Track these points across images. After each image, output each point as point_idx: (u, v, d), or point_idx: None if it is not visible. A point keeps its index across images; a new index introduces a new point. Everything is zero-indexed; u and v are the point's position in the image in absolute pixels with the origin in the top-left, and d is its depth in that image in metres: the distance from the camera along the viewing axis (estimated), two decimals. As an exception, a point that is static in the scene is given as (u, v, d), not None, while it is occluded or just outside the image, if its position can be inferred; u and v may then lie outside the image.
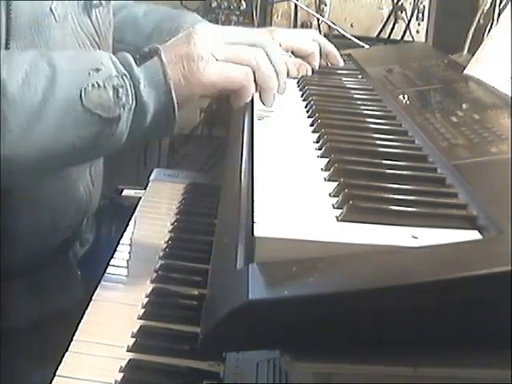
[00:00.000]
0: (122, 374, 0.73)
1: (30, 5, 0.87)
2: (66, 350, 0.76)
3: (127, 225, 1.07)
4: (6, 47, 0.86)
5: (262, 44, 0.85)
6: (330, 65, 1.19)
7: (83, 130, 0.78)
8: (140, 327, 0.81)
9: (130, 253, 0.99)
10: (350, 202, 0.61)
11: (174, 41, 0.83)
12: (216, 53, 0.82)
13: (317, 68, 1.14)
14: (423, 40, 1.59)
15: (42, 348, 0.92)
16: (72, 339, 0.78)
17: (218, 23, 1.57)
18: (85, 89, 0.77)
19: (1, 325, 0.93)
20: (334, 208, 0.62)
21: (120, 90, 0.78)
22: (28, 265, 0.99)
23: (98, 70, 0.78)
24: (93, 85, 0.77)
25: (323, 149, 0.77)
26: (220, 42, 0.83)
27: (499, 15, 1.23)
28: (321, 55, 1.16)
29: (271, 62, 0.84)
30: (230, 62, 0.82)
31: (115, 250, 0.99)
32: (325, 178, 0.70)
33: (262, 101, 0.87)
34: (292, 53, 1.14)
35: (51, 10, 0.89)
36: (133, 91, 0.79)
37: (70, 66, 0.79)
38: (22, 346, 0.94)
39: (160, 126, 0.82)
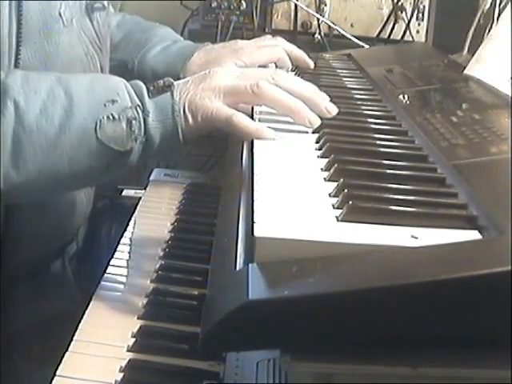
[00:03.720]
0: (121, 374, 0.73)
1: (40, 10, 0.87)
2: (66, 350, 0.76)
3: (127, 225, 1.07)
4: (17, 53, 0.86)
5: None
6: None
7: (96, 161, 0.79)
8: (140, 327, 0.81)
9: (129, 253, 0.99)
10: (350, 202, 0.61)
11: (189, 80, 0.84)
12: (229, 81, 0.83)
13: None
14: (423, 40, 1.59)
15: (42, 348, 0.92)
16: (72, 339, 0.78)
17: (218, 23, 1.57)
18: (100, 121, 0.78)
19: (1, 326, 0.93)
20: (334, 208, 0.62)
21: (133, 122, 0.79)
22: (29, 269, 1.00)
23: (113, 101, 0.79)
24: (108, 117, 0.78)
25: (323, 149, 0.77)
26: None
27: (499, 15, 1.23)
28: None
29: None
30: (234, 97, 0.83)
31: (115, 250, 0.99)
32: (325, 178, 0.70)
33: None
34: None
35: (60, 14, 0.89)
36: (142, 123, 0.80)
37: (86, 96, 0.79)
38: (22, 347, 0.94)
39: (165, 156, 0.84)
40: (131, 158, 0.81)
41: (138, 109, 0.80)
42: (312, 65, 1.17)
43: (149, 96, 0.81)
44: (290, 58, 1.13)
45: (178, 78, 0.97)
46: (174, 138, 0.82)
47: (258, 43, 1.13)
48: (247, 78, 0.84)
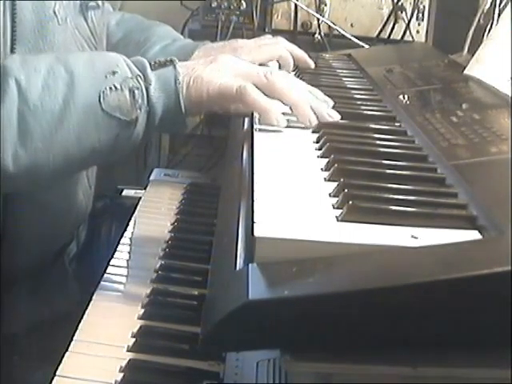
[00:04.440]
0: (121, 374, 0.73)
1: (34, 8, 0.87)
2: (66, 350, 0.76)
3: (127, 225, 1.07)
4: (12, 51, 0.86)
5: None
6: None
7: (103, 134, 0.79)
8: (140, 327, 0.81)
9: (129, 253, 0.99)
10: (350, 202, 0.61)
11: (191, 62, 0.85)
12: (229, 68, 0.84)
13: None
14: (423, 40, 1.59)
15: (41, 348, 0.92)
16: (72, 339, 0.78)
17: (218, 23, 1.57)
18: (103, 92, 0.78)
19: (1, 327, 0.93)
20: (334, 208, 0.62)
21: (136, 91, 0.80)
22: (29, 269, 1.00)
23: (114, 72, 0.79)
24: (110, 88, 0.79)
25: (323, 149, 0.77)
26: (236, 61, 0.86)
27: (499, 15, 1.23)
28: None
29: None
30: (242, 77, 0.83)
31: (115, 250, 0.99)
32: (325, 178, 0.70)
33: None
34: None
35: (54, 12, 0.89)
36: (145, 93, 0.80)
37: (86, 70, 0.80)
38: (22, 347, 0.94)
39: (167, 128, 0.83)
40: (137, 129, 0.81)
41: (139, 79, 0.80)
42: (313, 65, 1.17)
43: (151, 69, 0.81)
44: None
45: None
46: (176, 109, 0.82)
47: (258, 42, 1.13)
48: (257, 67, 0.85)
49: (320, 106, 0.86)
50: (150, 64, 0.82)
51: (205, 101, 0.83)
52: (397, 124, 0.88)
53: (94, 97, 0.78)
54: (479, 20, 1.29)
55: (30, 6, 0.86)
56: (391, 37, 1.59)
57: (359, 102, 0.97)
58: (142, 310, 0.85)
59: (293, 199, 0.64)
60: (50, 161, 0.78)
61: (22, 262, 0.98)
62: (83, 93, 0.78)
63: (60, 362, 0.74)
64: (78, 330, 0.80)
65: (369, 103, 0.97)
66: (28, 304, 1.00)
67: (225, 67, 0.84)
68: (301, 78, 1.09)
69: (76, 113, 0.78)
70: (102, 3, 1.00)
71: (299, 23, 1.60)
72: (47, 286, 1.03)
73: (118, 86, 0.79)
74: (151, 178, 1.28)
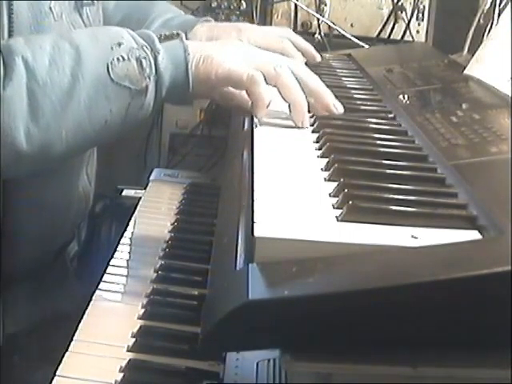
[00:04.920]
0: (121, 374, 0.73)
1: (30, 5, 0.87)
2: (66, 350, 0.76)
3: (127, 225, 1.07)
4: None
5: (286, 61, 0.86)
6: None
7: (114, 105, 0.79)
8: (140, 327, 0.81)
9: (129, 253, 0.99)
10: (350, 202, 0.61)
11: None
12: (239, 53, 0.84)
13: None
14: (423, 40, 1.59)
15: (42, 348, 0.92)
16: (72, 339, 0.78)
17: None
18: (111, 63, 0.78)
19: (2, 327, 0.93)
20: (334, 208, 0.62)
21: (143, 60, 0.80)
22: (29, 268, 1.00)
23: (119, 44, 0.80)
24: (118, 58, 0.79)
25: (323, 149, 0.77)
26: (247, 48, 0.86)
27: (499, 15, 1.23)
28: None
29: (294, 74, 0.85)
30: (252, 65, 0.84)
31: (115, 250, 0.99)
32: (325, 178, 0.70)
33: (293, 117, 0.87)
34: None
35: (50, 9, 0.89)
36: (153, 62, 0.80)
37: (91, 43, 0.80)
38: (22, 347, 0.94)
39: (173, 102, 0.84)
40: (148, 98, 0.81)
41: (146, 49, 0.81)
42: (319, 57, 1.18)
43: (160, 41, 0.82)
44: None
45: None
46: (184, 82, 0.82)
47: (266, 29, 1.14)
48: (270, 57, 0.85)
49: (327, 99, 0.87)
50: (159, 37, 0.82)
51: (212, 81, 0.83)
52: (397, 124, 0.88)
53: (102, 69, 0.78)
54: (479, 20, 1.29)
55: (26, 3, 0.86)
56: (391, 37, 1.59)
57: (359, 102, 0.97)
58: (142, 310, 0.85)
59: (293, 199, 0.64)
60: (63, 137, 0.78)
61: (22, 260, 0.97)
62: (91, 66, 0.78)
63: (60, 361, 0.74)
64: (77, 330, 0.80)
65: (369, 103, 0.97)
66: (28, 303, 1.00)
67: (237, 52, 0.84)
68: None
69: (85, 86, 0.78)
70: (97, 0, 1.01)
71: (299, 23, 1.60)
72: (48, 285, 1.03)
73: (126, 56, 0.79)
74: (151, 178, 1.28)
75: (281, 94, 0.85)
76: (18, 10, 0.86)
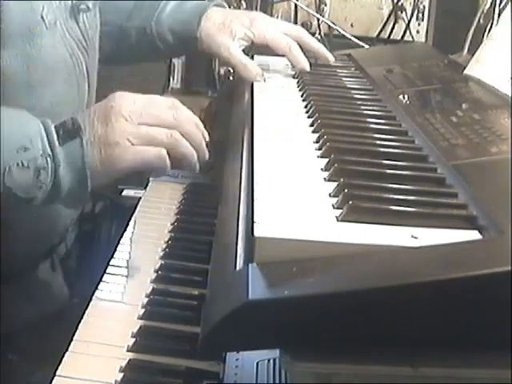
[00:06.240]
0: (121, 374, 0.73)
1: (21, 13, 0.87)
2: (66, 350, 0.76)
3: (127, 225, 1.07)
4: None
5: (180, 122, 0.84)
6: (320, 62, 1.18)
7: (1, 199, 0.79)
8: (140, 327, 0.81)
9: (130, 253, 0.99)
10: (350, 202, 0.61)
11: (93, 115, 0.82)
12: (131, 136, 0.82)
13: (299, 65, 1.13)
14: (423, 40, 1.59)
15: (41, 348, 0.92)
16: (72, 339, 0.78)
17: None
18: (9, 167, 0.78)
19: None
20: (334, 208, 0.62)
21: (42, 171, 0.79)
22: (16, 268, 0.99)
23: (26, 148, 0.79)
24: (18, 164, 0.78)
25: (323, 149, 0.77)
26: (136, 121, 0.83)
27: (499, 15, 1.23)
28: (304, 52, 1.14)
29: (188, 140, 0.84)
30: (145, 143, 0.82)
31: (115, 250, 0.99)
32: (325, 178, 0.70)
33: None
34: (267, 47, 1.13)
35: (42, 17, 0.89)
36: (52, 173, 0.80)
37: (2, 139, 0.78)
38: (22, 347, 0.94)
39: (71, 201, 0.84)
40: (34, 203, 0.81)
41: (49, 158, 0.80)
42: (332, 58, 1.18)
43: (59, 143, 0.80)
44: (304, 53, 1.14)
45: (195, 38, 1.07)
46: (82, 189, 0.82)
47: (278, 24, 1.14)
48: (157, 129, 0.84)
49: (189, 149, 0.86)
50: (58, 133, 0.80)
51: (114, 175, 0.83)
52: (397, 124, 0.88)
53: None
54: (479, 20, 1.29)
55: (16, 12, 0.86)
56: (391, 37, 1.59)
57: (359, 102, 0.97)
58: (142, 310, 0.85)
59: (293, 199, 0.64)
60: None
61: (9, 260, 0.97)
62: None
63: (60, 361, 0.74)
64: (77, 330, 0.80)
65: (369, 103, 0.97)
66: (16, 304, 0.99)
67: (126, 130, 0.82)
68: (301, 78, 1.10)
69: None
70: (94, 5, 1.00)
71: (299, 23, 1.60)
72: (35, 286, 1.02)
73: (26, 164, 0.78)
74: (151, 178, 1.28)
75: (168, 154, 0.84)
76: (8, 18, 0.85)
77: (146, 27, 1.14)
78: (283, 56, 1.13)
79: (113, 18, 1.15)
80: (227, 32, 1.10)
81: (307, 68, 1.12)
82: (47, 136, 0.80)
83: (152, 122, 0.83)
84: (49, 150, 0.79)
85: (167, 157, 0.83)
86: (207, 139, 0.88)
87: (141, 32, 1.15)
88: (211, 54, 1.12)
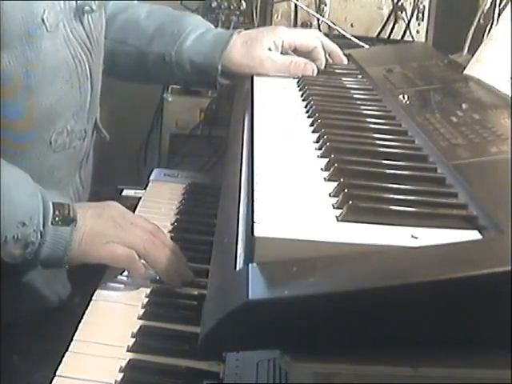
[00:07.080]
0: (121, 374, 0.73)
1: (21, 16, 0.87)
2: (66, 350, 0.76)
3: (127, 225, 1.07)
4: None
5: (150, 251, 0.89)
6: (332, 63, 1.20)
7: None
8: (140, 327, 0.81)
9: (130, 253, 0.99)
10: (350, 202, 0.61)
11: (90, 211, 0.89)
12: (115, 236, 0.88)
13: (322, 65, 1.15)
14: (423, 40, 1.59)
15: (41, 348, 0.92)
16: (72, 339, 0.78)
17: (218, 23, 1.57)
18: (6, 237, 0.83)
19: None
20: (334, 208, 0.62)
21: (30, 245, 0.84)
22: (16, 269, 0.99)
23: (24, 224, 0.83)
24: (13, 237, 0.83)
25: (323, 149, 0.77)
26: (122, 223, 0.89)
27: (499, 15, 1.23)
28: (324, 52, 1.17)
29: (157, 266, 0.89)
30: (124, 244, 0.88)
31: (115, 250, 0.99)
32: (325, 178, 0.70)
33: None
34: (295, 50, 1.15)
35: (43, 20, 0.89)
36: (36, 248, 0.85)
37: (5, 209, 0.83)
38: (22, 347, 0.94)
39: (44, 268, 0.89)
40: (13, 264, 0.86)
41: (38, 234, 0.84)
42: (345, 60, 1.22)
43: (52, 222, 0.85)
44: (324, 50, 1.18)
45: (216, 69, 1.09)
46: (55, 266, 0.88)
47: (297, 30, 1.22)
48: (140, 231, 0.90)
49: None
50: (54, 213, 0.85)
51: (92, 261, 0.89)
52: (397, 124, 0.88)
53: None
54: (479, 20, 1.29)
55: (16, 14, 0.86)
56: (391, 37, 1.59)
57: (359, 102, 0.97)
58: (142, 310, 0.85)
59: (293, 199, 0.64)
60: None
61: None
62: None
63: (60, 361, 0.74)
64: (77, 330, 0.80)
65: (369, 103, 0.97)
66: (14, 302, 0.99)
67: (111, 235, 0.88)
68: (301, 78, 1.10)
69: None
70: (98, 7, 1.00)
71: (299, 23, 1.60)
72: (34, 285, 1.03)
73: (20, 237, 0.83)
74: (151, 177, 1.28)
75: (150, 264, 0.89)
76: (8, 21, 0.85)
77: (165, 55, 1.15)
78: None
79: (134, 40, 1.16)
80: (258, 46, 1.13)
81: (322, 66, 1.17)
82: (43, 213, 0.85)
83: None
84: (41, 227, 0.85)
85: (137, 260, 0.88)
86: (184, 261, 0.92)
87: (159, 58, 1.16)
88: (249, 72, 1.12)
